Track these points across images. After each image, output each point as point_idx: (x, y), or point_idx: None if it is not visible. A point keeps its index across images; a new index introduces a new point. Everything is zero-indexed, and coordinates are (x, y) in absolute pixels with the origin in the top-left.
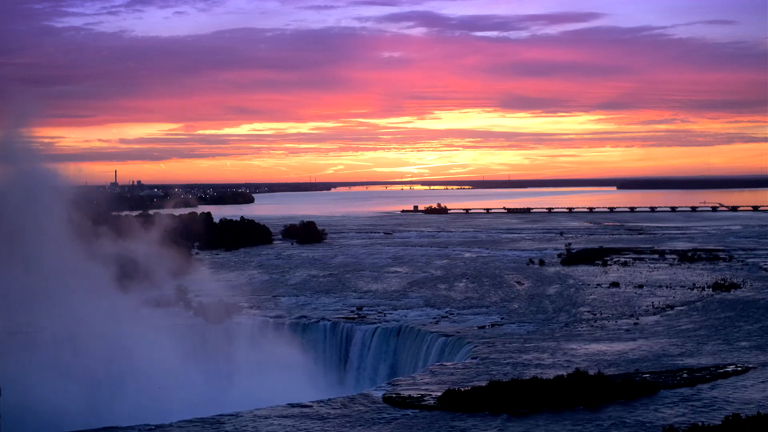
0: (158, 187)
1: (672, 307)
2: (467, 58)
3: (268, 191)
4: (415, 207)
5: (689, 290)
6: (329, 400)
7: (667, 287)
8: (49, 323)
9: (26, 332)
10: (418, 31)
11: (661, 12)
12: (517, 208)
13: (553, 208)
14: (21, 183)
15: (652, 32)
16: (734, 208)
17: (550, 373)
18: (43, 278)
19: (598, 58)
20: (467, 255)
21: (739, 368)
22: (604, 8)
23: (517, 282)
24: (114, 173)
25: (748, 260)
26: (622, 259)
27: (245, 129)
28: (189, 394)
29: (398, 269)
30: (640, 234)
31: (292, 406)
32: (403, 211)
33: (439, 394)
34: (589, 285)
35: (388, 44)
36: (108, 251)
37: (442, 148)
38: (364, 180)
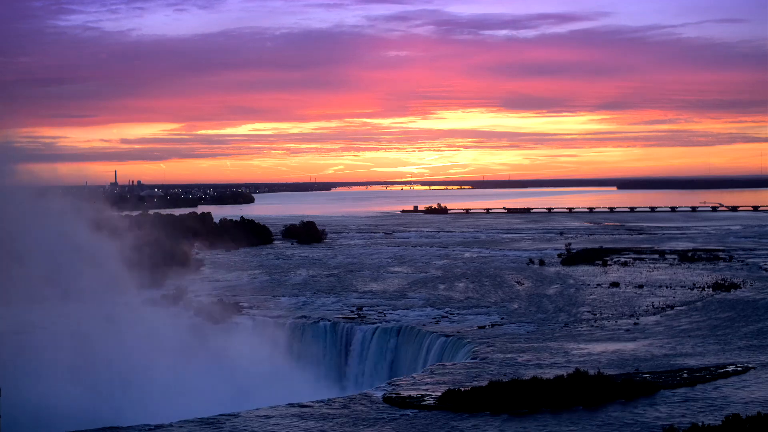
0: (158, 187)
1: (672, 307)
2: (474, 58)
3: (269, 191)
4: (415, 207)
5: (689, 290)
6: (329, 400)
7: (667, 287)
8: (50, 323)
9: (27, 332)
10: (426, 29)
11: (671, 10)
12: (517, 208)
13: (553, 208)
14: (20, 182)
15: (661, 31)
16: (734, 208)
17: (550, 373)
18: (44, 278)
19: (605, 58)
20: (467, 255)
21: (739, 368)
22: (614, 7)
23: (517, 282)
24: (114, 173)
25: (748, 260)
26: (622, 259)
27: (246, 129)
28: (189, 394)
29: (398, 269)
30: (640, 234)
31: (292, 406)
32: (403, 211)
33: (439, 394)
34: (589, 285)
35: (396, 43)
36: (108, 251)
37: (443, 148)
38: (364, 180)
